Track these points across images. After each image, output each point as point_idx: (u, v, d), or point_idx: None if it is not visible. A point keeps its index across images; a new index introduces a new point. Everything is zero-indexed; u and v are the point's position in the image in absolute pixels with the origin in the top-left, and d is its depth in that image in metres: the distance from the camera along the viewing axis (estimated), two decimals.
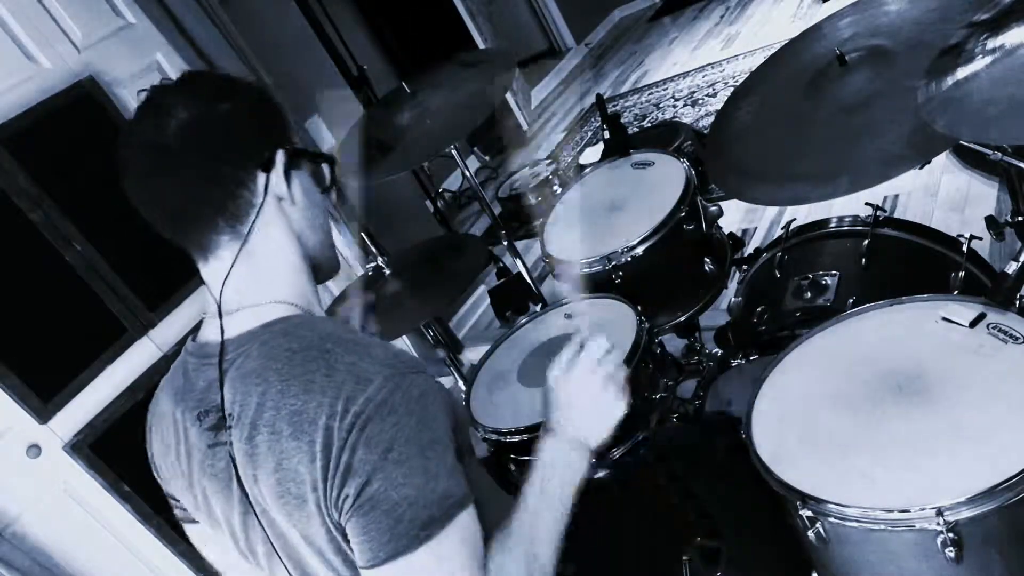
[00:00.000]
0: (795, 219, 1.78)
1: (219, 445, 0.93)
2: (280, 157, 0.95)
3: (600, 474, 1.47)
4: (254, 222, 0.95)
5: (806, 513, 1.05)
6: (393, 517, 0.82)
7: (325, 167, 1.03)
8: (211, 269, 0.97)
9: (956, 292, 1.39)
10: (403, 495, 0.82)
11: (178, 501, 1.08)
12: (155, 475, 1.10)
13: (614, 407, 1.08)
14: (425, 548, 0.82)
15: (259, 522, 0.95)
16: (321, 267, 1.05)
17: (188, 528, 1.14)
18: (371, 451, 0.82)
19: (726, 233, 1.92)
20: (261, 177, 0.95)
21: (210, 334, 0.97)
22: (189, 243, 0.97)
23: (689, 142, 2.70)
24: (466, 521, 0.86)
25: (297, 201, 0.98)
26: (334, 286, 2.61)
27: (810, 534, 1.06)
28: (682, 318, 1.80)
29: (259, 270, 0.96)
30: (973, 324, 1.14)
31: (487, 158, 5.20)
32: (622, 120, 2.08)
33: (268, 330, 0.93)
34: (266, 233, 0.96)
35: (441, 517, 0.84)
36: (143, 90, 0.95)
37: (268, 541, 0.96)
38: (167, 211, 0.94)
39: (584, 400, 1.07)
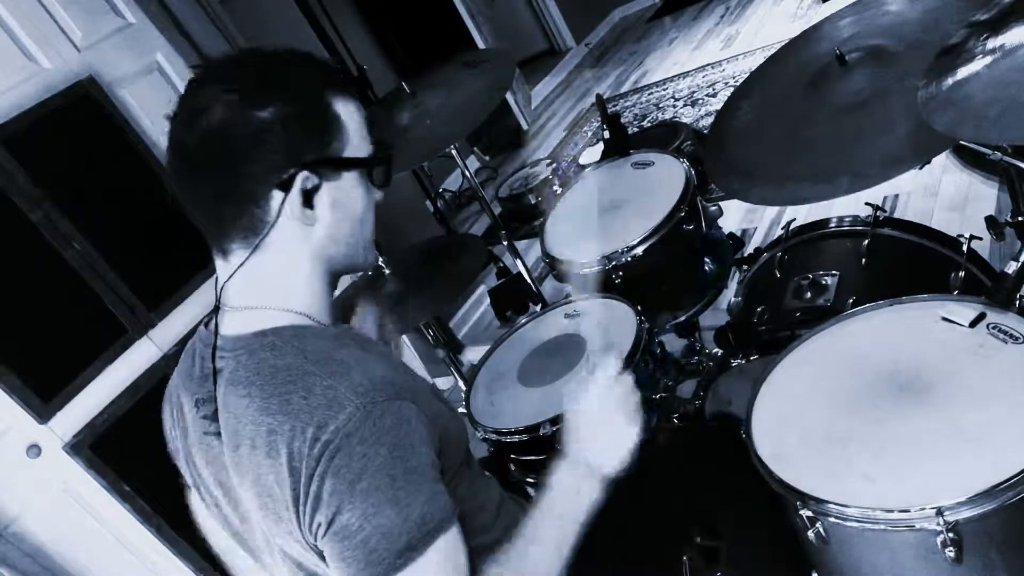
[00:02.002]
0: (795, 219, 1.78)
1: (213, 435, 0.94)
2: (299, 181, 0.89)
3: None
4: (266, 235, 0.91)
5: (806, 513, 1.04)
6: (368, 546, 0.82)
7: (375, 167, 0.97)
8: (222, 265, 0.96)
9: (956, 292, 1.39)
10: (376, 524, 0.81)
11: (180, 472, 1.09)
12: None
13: (628, 434, 1.07)
14: (403, 573, 0.82)
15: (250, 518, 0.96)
16: (348, 270, 1.03)
17: (189, 495, 1.14)
18: (339, 481, 0.82)
19: (726, 233, 1.92)
20: (278, 196, 0.89)
21: (220, 326, 0.97)
22: (208, 238, 0.96)
23: (689, 142, 2.70)
24: (446, 543, 0.85)
25: (321, 219, 0.93)
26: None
27: (810, 534, 1.06)
28: (682, 318, 1.80)
29: (267, 277, 0.94)
30: (973, 324, 1.14)
31: (487, 158, 5.20)
32: (622, 120, 2.08)
33: (260, 340, 0.92)
34: (279, 247, 0.93)
35: (419, 543, 0.83)
36: (194, 66, 0.90)
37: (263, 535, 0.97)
38: (188, 207, 0.93)
39: (599, 429, 1.06)
